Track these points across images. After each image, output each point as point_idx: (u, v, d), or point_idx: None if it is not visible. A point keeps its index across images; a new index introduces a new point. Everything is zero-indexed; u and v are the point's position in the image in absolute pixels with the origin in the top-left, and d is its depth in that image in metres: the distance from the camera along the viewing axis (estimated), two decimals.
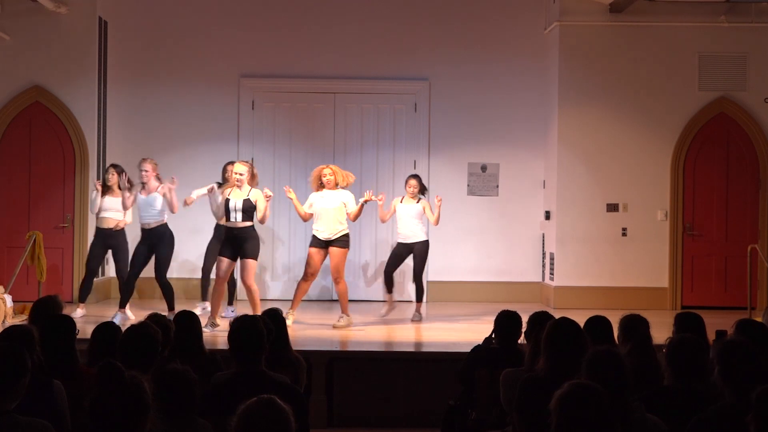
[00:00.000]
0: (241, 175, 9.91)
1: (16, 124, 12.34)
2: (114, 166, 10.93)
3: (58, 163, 12.32)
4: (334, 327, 10.24)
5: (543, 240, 13.07)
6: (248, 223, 9.93)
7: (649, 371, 5.28)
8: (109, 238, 10.77)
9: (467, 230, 13.11)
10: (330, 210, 10.32)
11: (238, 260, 10.03)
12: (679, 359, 4.65)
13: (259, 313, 7.98)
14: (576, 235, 12.50)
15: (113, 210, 10.72)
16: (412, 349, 9.53)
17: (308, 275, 10.39)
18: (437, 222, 11.14)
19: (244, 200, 9.85)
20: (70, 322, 5.18)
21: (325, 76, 13.04)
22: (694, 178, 12.62)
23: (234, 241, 9.93)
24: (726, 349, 4.22)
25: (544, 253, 13.02)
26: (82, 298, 10.83)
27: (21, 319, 9.57)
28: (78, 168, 12.26)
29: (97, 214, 10.76)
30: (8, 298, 10.47)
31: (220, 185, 10.77)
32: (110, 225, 10.73)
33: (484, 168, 13.16)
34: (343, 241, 10.39)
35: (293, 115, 13.10)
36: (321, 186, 10.43)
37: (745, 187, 12.60)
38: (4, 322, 9.95)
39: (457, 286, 13.05)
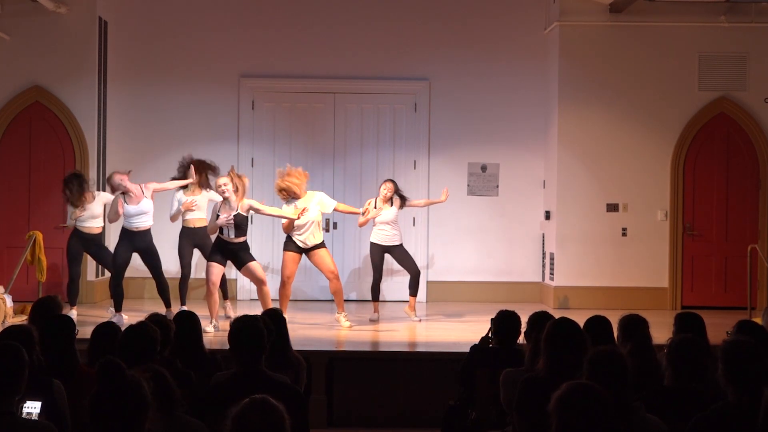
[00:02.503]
0: (224, 185, 9.63)
1: (16, 124, 12.33)
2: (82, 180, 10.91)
3: (58, 163, 12.31)
4: (346, 327, 10.23)
5: (543, 240, 13.06)
6: (242, 239, 9.79)
7: (649, 371, 5.28)
8: (90, 242, 10.73)
9: (467, 230, 13.11)
10: (315, 221, 10.25)
11: (241, 268, 9.95)
12: (679, 359, 4.65)
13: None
14: (576, 235, 12.50)
15: (91, 218, 10.70)
16: (412, 349, 9.53)
17: (286, 279, 10.29)
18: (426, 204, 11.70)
19: (235, 215, 9.62)
20: (70, 322, 5.19)
21: (325, 76, 13.03)
22: (694, 178, 12.61)
23: (227, 252, 9.81)
24: (731, 348, 4.21)
25: (544, 253, 13.02)
26: (72, 302, 10.69)
27: (21, 319, 9.57)
28: (78, 168, 12.23)
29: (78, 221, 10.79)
30: (8, 298, 10.46)
31: (181, 186, 10.75)
32: (93, 231, 10.72)
33: (484, 168, 13.15)
34: (321, 242, 10.36)
35: (293, 115, 13.09)
36: (288, 196, 10.27)
37: (745, 187, 12.60)
38: (4, 322, 9.95)
39: (457, 286, 13.04)
